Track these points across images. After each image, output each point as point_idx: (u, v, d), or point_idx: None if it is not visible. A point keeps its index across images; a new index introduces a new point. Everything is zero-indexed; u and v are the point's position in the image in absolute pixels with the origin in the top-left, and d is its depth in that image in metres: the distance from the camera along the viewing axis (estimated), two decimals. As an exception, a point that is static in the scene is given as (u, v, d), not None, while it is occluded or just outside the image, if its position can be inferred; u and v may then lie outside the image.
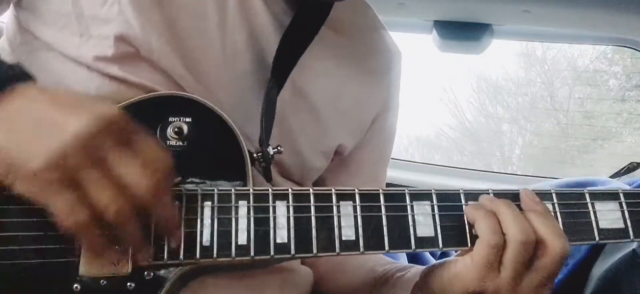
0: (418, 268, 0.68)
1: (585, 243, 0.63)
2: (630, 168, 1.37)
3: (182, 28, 0.66)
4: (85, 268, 0.54)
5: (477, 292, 0.58)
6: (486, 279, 0.57)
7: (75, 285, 0.54)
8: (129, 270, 0.55)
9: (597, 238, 0.63)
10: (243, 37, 0.70)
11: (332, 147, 0.81)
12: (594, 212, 0.63)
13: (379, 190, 0.60)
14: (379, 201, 0.60)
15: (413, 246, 0.59)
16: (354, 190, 0.60)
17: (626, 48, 1.65)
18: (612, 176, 1.47)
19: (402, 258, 1.24)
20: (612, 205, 0.64)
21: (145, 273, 0.56)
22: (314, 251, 0.57)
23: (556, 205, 0.63)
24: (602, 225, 0.63)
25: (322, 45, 0.76)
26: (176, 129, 0.60)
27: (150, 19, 0.64)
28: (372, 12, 0.87)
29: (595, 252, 1.03)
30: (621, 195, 0.64)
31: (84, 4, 0.65)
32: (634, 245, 0.93)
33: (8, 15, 0.72)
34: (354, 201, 0.59)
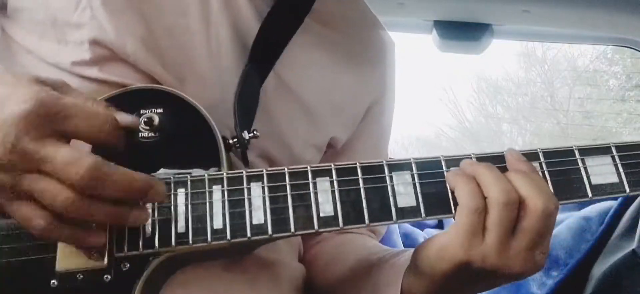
0: (411, 251, 0.66)
1: (578, 200, 0.60)
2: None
3: (160, 27, 0.66)
4: (61, 263, 0.54)
5: (465, 262, 0.55)
6: (472, 247, 0.55)
7: (53, 281, 0.54)
8: (105, 262, 0.54)
9: (590, 195, 0.59)
10: (226, 30, 0.69)
11: (324, 140, 0.80)
12: (585, 169, 0.60)
13: (356, 163, 0.59)
14: (357, 175, 0.58)
15: (394, 217, 0.57)
16: (330, 165, 0.58)
17: (626, 48, 1.66)
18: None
19: (398, 244, 1.24)
20: (605, 159, 0.60)
21: (122, 264, 0.55)
22: (292, 229, 0.56)
23: (543, 164, 0.60)
24: (595, 181, 0.60)
25: (310, 39, 0.75)
26: (146, 120, 0.60)
27: (124, 21, 0.64)
28: (363, 3, 0.86)
29: (595, 252, 1.03)
30: (613, 149, 0.61)
31: (56, 10, 0.64)
32: (634, 245, 0.93)
33: None
34: (331, 177, 0.58)
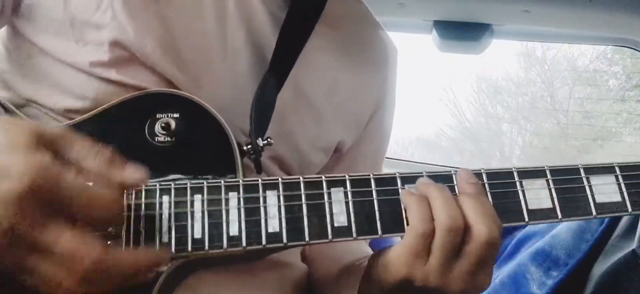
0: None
1: (582, 218, 0.61)
2: (630, 168, 1.36)
3: (178, 29, 0.66)
4: None
5: (407, 279, 0.57)
6: (414, 267, 0.56)
7: None
8: None
9: (594, 213, 0.60)
10: (242, 35, 0.70)
11: (331, 143, 0.81)
12: (590, 187, 0.61)
13: (369, 175, 0.60)
14: (371, 186, 0.59)
15: (406, 228, 0.58)
16: (345, 176, 0.60)
17: (626, 48, 1.65)
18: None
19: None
20: (608, 179, 0.62)
21: None
22: (307, 238, 0.57)
23: (550, 181, 0.61)
24: (599, 200, 0.61)
25: (318, 42, 0.76)
26: (163, 125, 0.61)
27: (144, 23, 0.64)
28: (364, 7, 0.86)
29: (595, 252, 1.03)
30: (617, 168, 0.62)
31: (75, 10, 0.64)
32: (634, 245, 0.93)
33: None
34: (345, 187, 0.59)
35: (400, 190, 0.60)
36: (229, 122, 0.63)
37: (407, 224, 0.58)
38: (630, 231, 0.98)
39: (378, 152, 0.91)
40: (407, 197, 0.59)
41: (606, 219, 1.07)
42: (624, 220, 1.02)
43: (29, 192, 0.42)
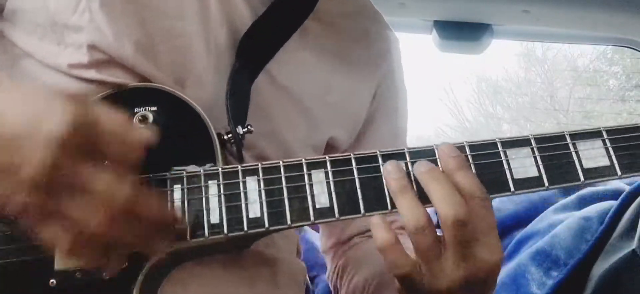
0: None
1: (571, 184, 0.59)
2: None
3: (158, 30, 0.66)
4: (60, 262, 0.54)
5: (410, 286, 0.57)
6: (408, 277, 0.56)
7: (51, 280, 0.54)
8: None
9: (582, 179, 0.58)
10: (224, 32, 0.70)
11: (322, 141, 0.80)
12: (577, 153, 0.59)
13: (350, 155, 0.59)
14: (351, 165, 0.59)
15: (389, 207, 0.57)
16: (325, 158, 0.59)
17: (626, 48, 1.66)
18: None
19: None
20: (595, 143, 0.60)
21: None
22: (288, 221, 0.57)
23: (535, 149, 0.59)
24: (587, 165, 0.59)
25: (308, 39, 0.75)
26: (140, 118, 0.60)
27: (122, 25, 0.64)
28: (363, 1, 0.85)
29: (595, 252, 1.03)
30: (604, 132, 0.60)
31: (55, 13, 0.64)
32: (634, 245, 0.93)
33: None
34: (326, 168, 0.58)
35: (381, 168, 0.58)
36: (213, 119, 0.63)
37: (391, 206, 0.57)
38: (630, 231, 0.98)
39: (396, 132, 0.88)
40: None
41: (606, 220, 1.07)
42: (624, 220, 1.02)
43: (69, 132, 0.45)
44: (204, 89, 0.67)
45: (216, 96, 0.67)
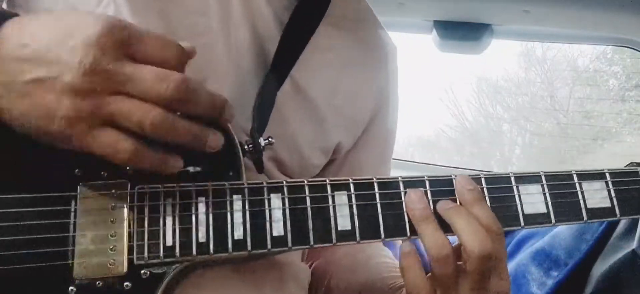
0: None
1: (574, 222, 0.63)
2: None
3: (181, 26, 0.66)
4: (79, 270, 0.53)
5: None
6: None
7: (71, 288, 0.53)
8: (125, 270, 0.54)
9: (585, 218, 0.62)
10: (246, 33, 0.70)
11: (330, 144, 0.80)
12: (582, 192, 0.63)
13: (373, 178, 0.60)
14: (374, 190, 0.60)
15: (408, 233, 0.59)
16: (348, 180, 0.60)
17: (626, 48, 1.65)
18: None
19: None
20: (599, 185, 0.64)
21: (142, 271, 0.55)
22: (311, 242, 0.57)
23: (545, 186, 0.62)
24: (590, 205, 0.62)
25: (321, 41, 0.75)
26: None
27: (147, 19, 0.64)
28: (365, 4, 0.86)
29: (595, 252, 1.03)
30: (607, 175, 0.64)
31: (76, 3, 0.63)
32: (634, 245, 0.93)
33: None
34: (349, 191, 0.59)
35: (401, 195, 0.60)
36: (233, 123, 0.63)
37: (411, 231, 0.59)
38: (630, 231, 0.98)
39: (384, 152, 0.90)
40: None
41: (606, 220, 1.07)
42: (624, 220, 1.02)
43: (105, 32, 0.45)
44: (223, 89, 0.67)
45: (235, 97, 0.67)
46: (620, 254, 0.95)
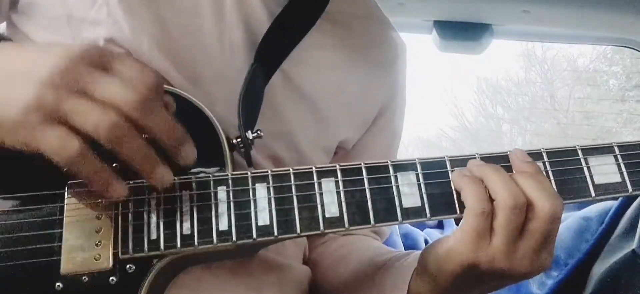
0: (417, 254, 0.66)
1: (582, 200, 0.60)
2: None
3: (175, 27, 0.66)
4: (66, 265, 0.54)
5: (472, 264, 0.55)
6: (478, 249, 0.55)
7: (58, 284, 0.54)
8: (110, 264, 0.54)
9: (593, 195, 0.59)
10: (240, 32, 0.69)
11: (333, 142, 0.80)
12: (588, 168, 0.60)
13: (360, 164, 0.59)
14: (362, 175, 0.58)
15: (399, 218, 0.57)
16: (335, 166, 0.59)
17: (626, 48, 1.65)
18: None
19: (398, 244, 1.24)
20: (607, 159, 0.61)
21: (127, 266, 0.55)
22: (298, 230, 0.56)
23: (547, 163, 0.60)
24: (598, 180, 0.60)
25: (321, 38, 0.75)
26: None
27: (140, 20, 0.64)
28: (373, 3, 0.85)
29: (595, 252, 1.03)
30: (616, 148, 0.61)
31: (72, 6, 0.64)
32: (634, 245, 0.93)
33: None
34: (336, 177, 0.58)
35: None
36: (224, 118, 0.63)
37: (459, 207, 0.57)
38: (630, 231, 0.98)
39: (388, 150, 0.89)
40: (460, 178, 0.58)
41: (606, 220, 1.07)
42: (624, 220, 1.02)
43: (83, 50, 0.49)
44: (218, 88, 0.67)
45: (229, 96, 0.67)
46: (620, 254, 0.95)
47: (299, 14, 0.72)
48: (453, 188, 0.59)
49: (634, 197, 1.03)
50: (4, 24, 0.72)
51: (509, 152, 0.60)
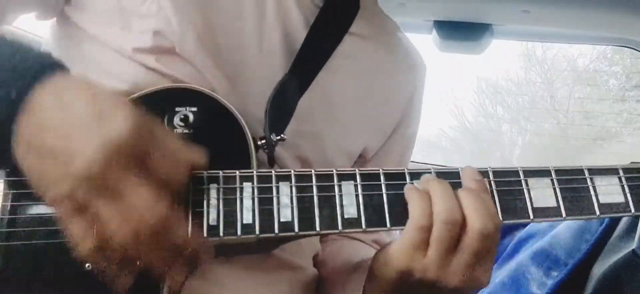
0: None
1: (586, 217, 0.62)
2: (630, 168, 1.36)
3: (219, 27, 0.69)
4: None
5: (406, 272, 0.58)
6: (414, 260, 0.57)
7: (87, 265, 0.56)
8: None
9: (597, 213, 0.62)
10: (278, 35, 0.72)
11: (357, 148, 0.82)
12: (594, 187, 0.63)
13: (379, 170, 0.62)
14: (380, 180, 0.61)
15: None
16: (355, 170, 0.62)
17: (626, 48, 1.66)
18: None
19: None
20: (612, 180, 0.63)
21: None
22: (317, 228, 0.59)
23: (555, 181, 0.63)
24: (603, 200, 0.62)
25: (349, 48, 0.77)
26: (182, 117, 0.63)
27: (188, 18, 0.67)
28: (394, 23, 0.88)
29: (595, 252, 1.03)
30: (620, 171, 0.64)
31: (124, 0, 0.67)
32: (634, 245, 0.93)
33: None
34: (355, 180, 0.61)
35: (406, 185, 0.61)
36: (255, 118, 0.66)
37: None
38: (630, 231, 0.98)
39: (401, 160, 0.92)
40: (410, 191, 0.60)
41: (606, 220, 1.07)
42: (624, 220, 1.02)
43: (127, 139, 0.47)
44: (251, 89, 0.70)
45: (261, 97, 0.69)
46: (620, 254, 0.95)
47: (331, 24, 0.75)
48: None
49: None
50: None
51: (460, 169, 0.63)
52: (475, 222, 0.56)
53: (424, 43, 1.68)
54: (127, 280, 0.54)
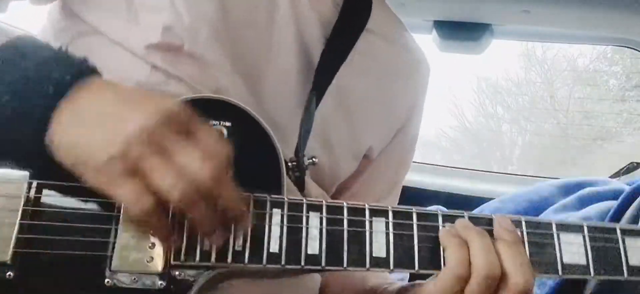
0: (399, 286, 0.69)
1: (616, 277, 0.63)
2: (630, 168, 1.36)
3: (233, 18, 0.67)
4: (118, 262, 0.55)
5: None
6: None
7: (107, 280, 0.55)
8: (160, 268, 0.55)
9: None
10: (291, 32, 0.71)
11: (362, 149, 0.82)
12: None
13: (412, 209, 0.61)
14: (412, 220, 0.60)
15: (442, 266, 0.59)
16: (388, 207, 0.60)
17: (626, 48, 1.65)
18: (612, 176, 1.47)
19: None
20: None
21: (177, 272, 0.56)
22: (345, 264, 0.57)
23: (586, 237, 0.62)
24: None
25: (361, 44, 0.77)
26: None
27: (201, 10, 0.65)
28: (402, 24, 0.88)
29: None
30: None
31: None
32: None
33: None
34: (387, 218, 0.60)
35: (440, 228, 0.60)
36: (271, 122, 0.64)
37: (444, 263, 0.59)
38: (630, 231, 0.98)
39: (403, 163, 0.91)
40: (447, 237, 0.59)
41: (606, 219, 1.07)
42: (624, 220, 1.02)
43: (176, 111, 0.51)
44: (265, 88, 0.69)
45: (274, 94, 0.69)
46: (620, 254, 0.94)
47: (347, 27, 0.75)
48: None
49: (634, 197, 1.03)
50: (52, 6, 0.73)
51: (494, 217, 0.62)
52: (519, 278, 0.56)
53: (424, 43, 1.68)
54: (178, 242, 0.54)
